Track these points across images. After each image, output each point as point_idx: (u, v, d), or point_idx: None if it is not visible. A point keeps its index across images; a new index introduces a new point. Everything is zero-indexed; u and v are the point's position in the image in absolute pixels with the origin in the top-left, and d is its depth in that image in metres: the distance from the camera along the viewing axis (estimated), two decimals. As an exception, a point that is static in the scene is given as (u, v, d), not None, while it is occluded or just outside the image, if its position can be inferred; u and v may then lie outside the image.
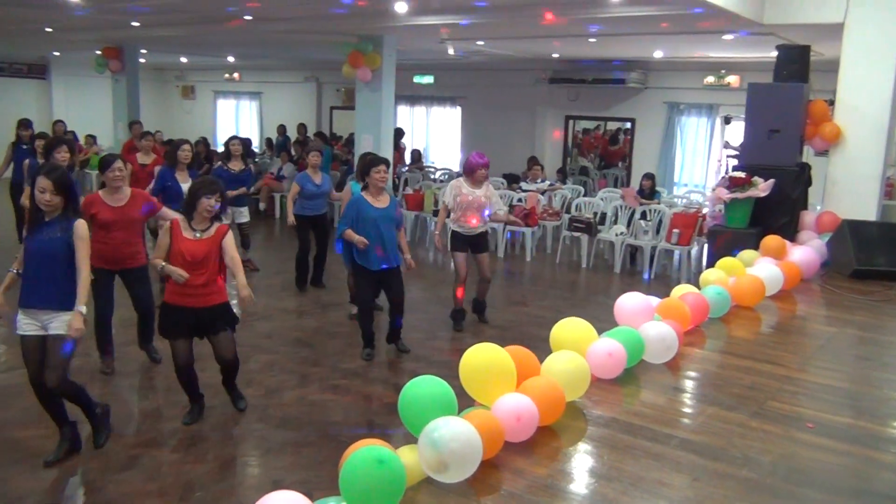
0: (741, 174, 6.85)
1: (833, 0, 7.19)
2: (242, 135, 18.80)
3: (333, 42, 11.33)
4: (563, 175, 15.19)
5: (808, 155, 7.84)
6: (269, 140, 18.03)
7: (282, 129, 17.57)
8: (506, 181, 13.32)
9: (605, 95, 14.99)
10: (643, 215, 10.19)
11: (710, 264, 6.19)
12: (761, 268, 5.68)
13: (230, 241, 4.85)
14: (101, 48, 14.93)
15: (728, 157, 8.77)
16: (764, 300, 5.43)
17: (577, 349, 3.68)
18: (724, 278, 5.40)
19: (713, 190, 7.44)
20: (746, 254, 6.10)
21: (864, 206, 7.09)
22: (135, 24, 11.19)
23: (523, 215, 10.85)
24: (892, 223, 7.28)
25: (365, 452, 2.57)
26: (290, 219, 8.40)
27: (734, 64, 13.15)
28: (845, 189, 7.24)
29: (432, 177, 15.20)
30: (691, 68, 13.85)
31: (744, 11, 7.29)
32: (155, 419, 5.22)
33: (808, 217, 7.32)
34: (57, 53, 18.33)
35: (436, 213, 9.80)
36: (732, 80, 13.63)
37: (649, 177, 10.98)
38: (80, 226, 4.25)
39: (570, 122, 16.24)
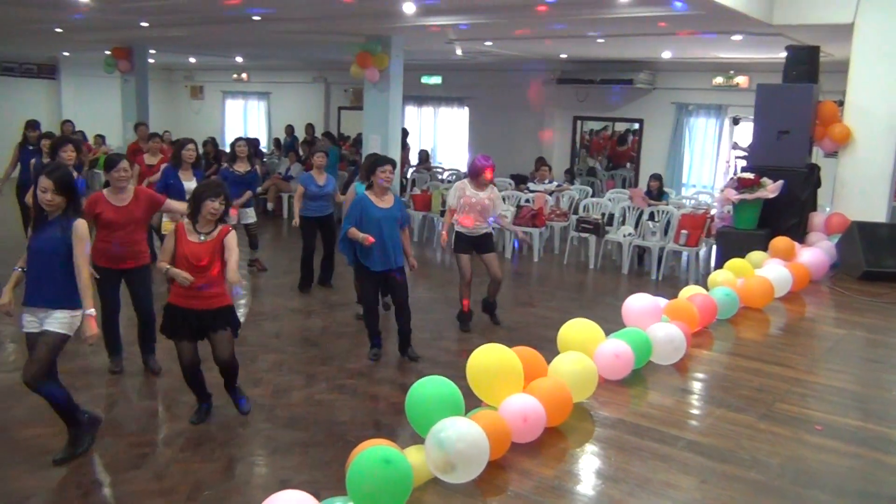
0: (750, 175, 6.83)
1: (843, 0, 7.15)
2: (251, 135, 19.01)
3: (341, 42, 11.35)
4: (570, 176, 15.17)
5: (817, 156, 7.81)
6: (277, 140, 18.08)
7: (290, 130, 17.60)
8: (513, 182, 13.30)
9: (613, 96, 14.97)
10: (651, 216, 10.17)
11: (719, 265, 6.18)
12: (770, 269, 5.66)
13: (231, 239, 4.84)
14: (110, 48, 15.00)
15: (737, 157, 8.76)
16: (772, 302, 5.42)
17: (585, 350, 3.68)
18: (733, 280, 5.39)
19: (722, 191, 7.42)
20: (755, 255, 6.07)
21: (873, 208, 7.05)
22: (144, 24, 11.23)
23: (531, 216, 10.86)
24: (902, 225, 7.24)
25: (372, 452, 2.58)
26: (296, 220, 8.41)
27: (743, 64, 13.11)
28: (855, 190, 7.21)
29: (440, 177, 15.20)
30: (700, 69, 13.81)
31: (753, 12, 7.26)
32: (163, 418, 5.25)
33: (817, 218, 7.29)
34: (67, 54, 18.42)
35: (443, 214, 9.79)
36: (741, 80, 13.59)
37: (657, 177, 10.95)
38: (80, 225, 4.25)
39: (578, 122, 16.22)
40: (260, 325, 7.40)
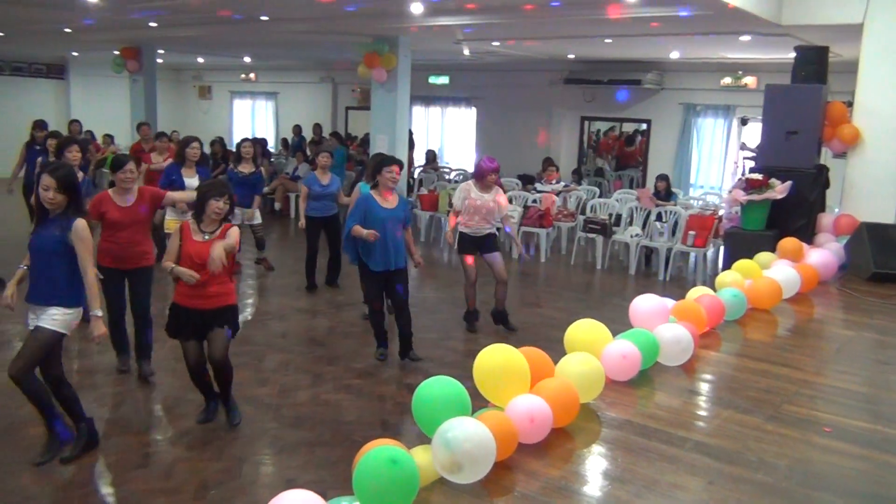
0: (758, 176, 6.82)
1: (852, 1, 7.12)
2: (258, 135, 19.04)
3: (349, 43, 11.36)
4: (578, 176, 15.15)
5: (825, 157, 7.79)
6: (284, 140, 18.11)
7: (297, 130, 17.63)
8: (521, 182, 13.29)
9: (620, 96, 14.96)
10: (659, 217, 10.15)
11: (726, 266, 6.16)
12: (778, 270, 5.64)
13: (233, 232, 4.84)
14: (119, 48, 15.06)
15: (745, 158, 8.73)
16: (780, 303, 5.40)
17: (592, 351, 3.67)
18: (741, 280, 5.37)
19: (730, 192, 7.40)
20: (763, 256, 6.05)
21: (882, 209, 7.01)
22: (152, 24, 11.27)
23: (538, 216, 10.85)
24: (912, 226, 7.21)
25: (378, 452, 2.58)
26: (301, 221, 8.40)
27: (751, 65, 13.06)
28: (863, 191, 7.18)
29: (447, 177, 15.20)
30: (708, 69, 13.77)
31: (761, 12, 7.24)
32: (169, 417, 5.25)
33: (825, 219, 7.27)
34: (75, 54, 18.49)
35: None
36: (749, 81, 13.54)
37: (663, 178, 10.91)
38: (80, 226, 4.24)
39: (586, 122, 16.21)
40: (266, 325, 7.42)
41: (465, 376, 3.20)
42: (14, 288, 4.38)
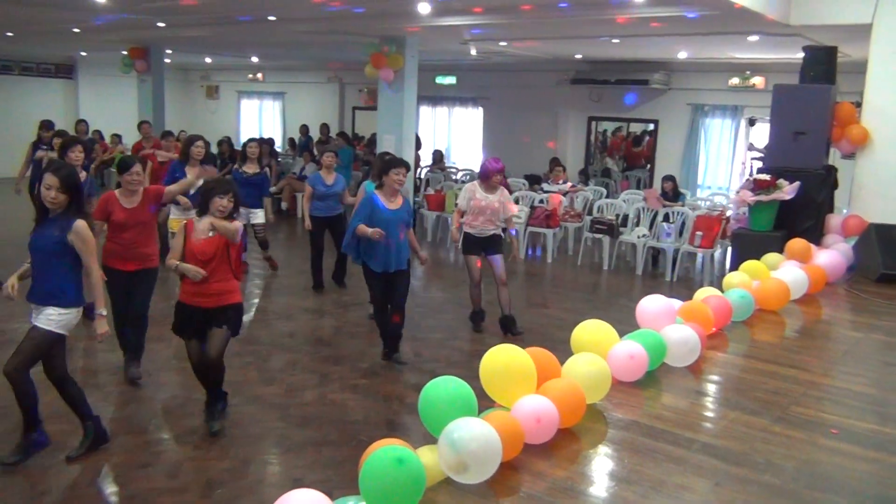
0: (766, 177, 6.79)
1: (861, 1, 7.09)
2: (266, 134, 19.07)
3: (356, 43, 11.37)
4: (585, 177, 15.14)
5: (834, 157, 7.74)
6: (291, 140, 18.14)
7: (304, 130, 17.66)
8: (527, 182, 13.28)
9: (627, 97, 14.94)
10: (666, 217, 10.13)
11: (734, 267, 6.14)
12: (786, 271, 5.62)
13: (236, 222, 4.85)
14: (127, 48, 15.11)
15: (752, 159, 8.70)
16: (788, 304, 5.37)
17: (599, 351, 3.67)
18: (748, 281, 5.35)
19: (737, 192, 7.37)
20: (771, 257, 6.03)
21: (891, 210, 6.96)
22: (160, 24, 11.31)
23: (545, 216, 10.84)
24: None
25: (385, 452, 2.58)
26: (307, 222, 8.37)
27: (759, 65, 13.02)
28: (872, 192, 7.14)
29: (453, 177, 15.21)
30: (716, 69, 13.74)
31: (769, 12, 7.22)
32: (176, 416, 5.27)
33: (834, 220, 7.23)
34: (84, 53, 18.58)
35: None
36: (757, 81, 13.51)
37: (670, 179, 10.88)
38: (80, 226, 4.24)
39: (593, 123, 16.19)
40: (273, 325, 7.43)
41: (472, 376, 3.20)
42: (15, 279, 4.34)
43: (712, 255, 9.86)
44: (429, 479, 2.68)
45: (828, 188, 7.17)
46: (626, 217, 10.76)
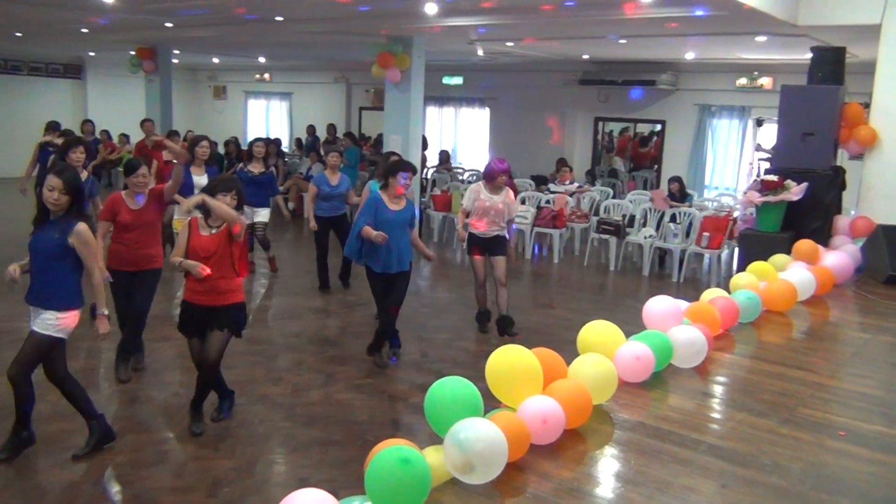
0: (773, 177, 6.76)
1: (870, 1, 7.06)
2: (273, 135, 19.11)
3: (363, 43, 11.38)
4: (591, 177, 15.11)
5: (842, 158, 7.71)
6: (298, 140, 18.16)
7: (311, 130, 17.68)
8: (534, 183, 13.27)
9: (634, 96, 14.91)
10: (673, 218, 10.10)
11: (741, 268, 6.12)
12: (793, 272, 5.60)
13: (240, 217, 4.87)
14: (135, 48, 15.16)
15: (760, 160, 8.67)
16: (796, 305, 5.35)
17: (605, 352, 3.66)
18: (755, 283, 5.33)
19: (745, 193, 7.35)
20: (778, 258, 6.01)
21: (899, 212, 6.95)
22: (168, 24, 11.34)
23: (551, 217, 10.83)
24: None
25: (390, 452, 2.58)
26: (312, 223, 8.36)
27: (767, 66, 12.98)
28: (880, 193, 7.11)
29: (460, 178, 15.20)
30: (723, 70, 13.70)
31: (778, 13, 7.19)
32: (182, 415, 5.27)
33: (841, 221, 7.20)
34: (92, 54, 18.65)
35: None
36: (765, 81, 13.46)
37: (676, 179, 10.84)
38: (81, 229, 4.24)
39: (600, 123, 16.16)
40: (279, 325, 7.44)
41: (478, 377, 3.20)
42: (19, 265, 4.32)
43: (719, 256, 9.84)
44: (434, 480, 2.68)
45: (836, 189, 7.14)
46: (632, 218, 10.74)
